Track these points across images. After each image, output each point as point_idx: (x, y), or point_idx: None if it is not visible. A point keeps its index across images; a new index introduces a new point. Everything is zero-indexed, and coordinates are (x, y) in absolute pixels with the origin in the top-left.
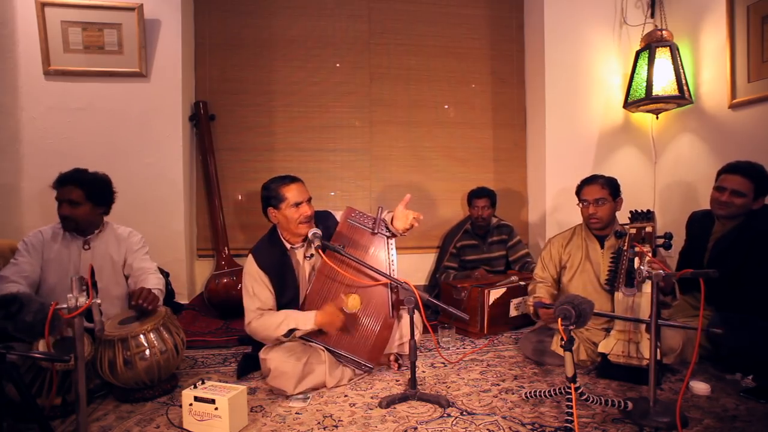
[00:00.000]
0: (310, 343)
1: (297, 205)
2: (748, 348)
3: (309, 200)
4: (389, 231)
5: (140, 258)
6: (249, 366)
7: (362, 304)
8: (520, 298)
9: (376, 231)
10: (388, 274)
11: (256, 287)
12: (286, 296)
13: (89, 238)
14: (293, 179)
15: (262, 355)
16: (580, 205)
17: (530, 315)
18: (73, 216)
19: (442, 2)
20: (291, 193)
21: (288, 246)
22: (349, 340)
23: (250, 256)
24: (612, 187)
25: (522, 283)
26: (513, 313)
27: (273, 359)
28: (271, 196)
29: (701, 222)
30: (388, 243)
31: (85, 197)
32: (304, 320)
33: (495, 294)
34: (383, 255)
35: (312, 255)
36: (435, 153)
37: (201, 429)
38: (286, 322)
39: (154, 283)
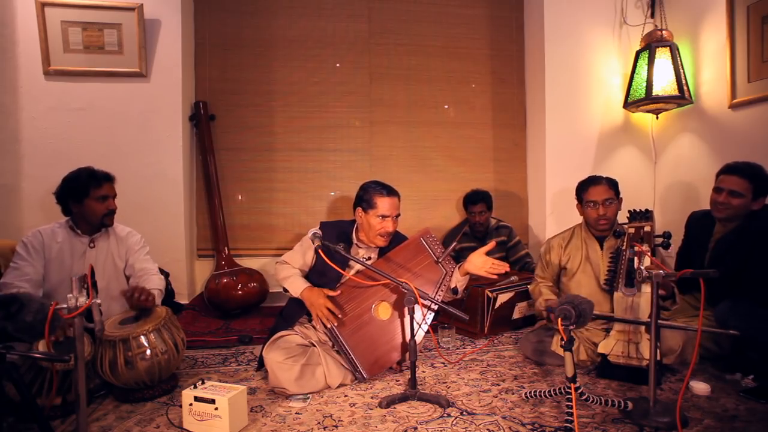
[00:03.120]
0: (311, 344)
1: (383, 217)
2: (758, 337)
3: (396, 216)
4: (451, 267)
5: (141, 259)
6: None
7: (389, 319)
8: (525, 303)
9: (439, 261)
10: (401, 282)
11: (299, 250)
12: (322, 281)
13: (95, 237)
14: (390, 192)
15: (264, 352)
16: (585, 207)
17: (539, 316)
18: (116, 210)
19: (442, 2)
20: (383, 204)
21: (355, 244)
22: (358, 342)
23: (320, 224)
24: (615, 186)
25: (523, 284)
26: (516, 315)
27: (271, 359)
28: (364, 199)
29: (701, 222)
30: (443, 277)
31: (116, 192)
32: (296, 287)
33: (503, 298)
34: (433, 285)
35: (369, 258)
36: (435, 153)
37: (201, 429)
38: (287, 280)
39: (156, 283)
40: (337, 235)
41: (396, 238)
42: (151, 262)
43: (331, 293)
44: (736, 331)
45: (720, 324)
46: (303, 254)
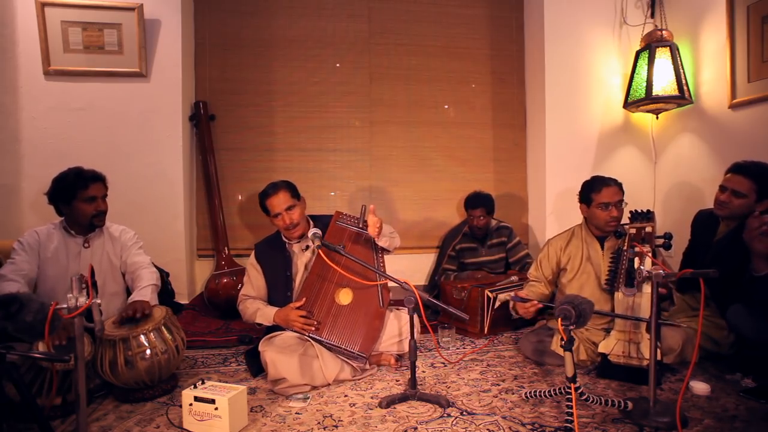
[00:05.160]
0: (305, 337)
1: (277, 215)
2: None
3: (289, 208)
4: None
5: (134, 253)
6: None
7: (353, 298)
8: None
9: (360, 228)
10: (380, 270)
11: (252, 276)
12: (278, 288)
13: (90, 237)
14: (275, 190)
15: (260, 347)
16: (595, 208)
17: (510, 310)
18: (106, 210)
19: (442, 2)
20: (272, 204)
21: (286, 241)
22: (342, 332)
23: (255, 246)
24: (622, 187)
25: (523, 284)
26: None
27: (269, 352)
28: (263, 206)
29: (706, 222)
30: (372, 241)
31: (106, 191)
32: (266, 316)
33: (502, 298)
34: (371, 250)
35: (308, 247)
36: (435, 153)
37: (201, 429)
38: (255, 315)
39: (148, 278)
40: (270, 247)
41: (320, 219)
42: (143, 256)
43: (297, 303)
44: (754, 338)
45: (732, 328)
46: (251, 279)
